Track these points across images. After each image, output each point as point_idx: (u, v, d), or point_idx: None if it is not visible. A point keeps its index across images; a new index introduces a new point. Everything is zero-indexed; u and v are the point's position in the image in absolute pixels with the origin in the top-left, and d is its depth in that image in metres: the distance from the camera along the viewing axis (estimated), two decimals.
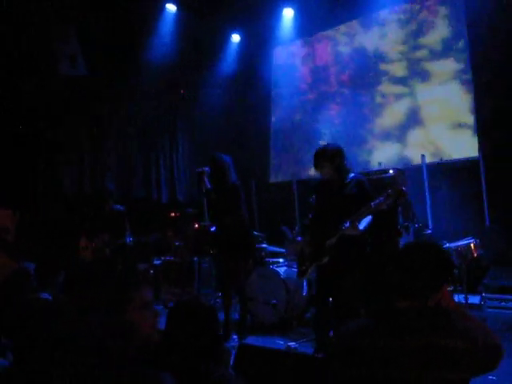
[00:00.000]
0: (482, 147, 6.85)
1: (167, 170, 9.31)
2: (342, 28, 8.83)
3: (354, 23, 8.66)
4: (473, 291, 5.81)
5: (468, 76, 7.20)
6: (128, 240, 5.93)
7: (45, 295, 2.37)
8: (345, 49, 8.81)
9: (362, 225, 3.80)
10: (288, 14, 8.92)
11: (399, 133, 7.94)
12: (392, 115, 8.09)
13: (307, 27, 8.88)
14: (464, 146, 7.11)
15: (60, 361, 1.32)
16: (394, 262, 1.79)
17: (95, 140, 8.11)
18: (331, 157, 4.01)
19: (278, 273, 5.48)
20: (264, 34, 9.28)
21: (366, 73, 8.44)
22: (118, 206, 6.15)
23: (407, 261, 1.75)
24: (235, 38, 9.54)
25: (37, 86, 6.92)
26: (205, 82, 9.22)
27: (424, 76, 7.75)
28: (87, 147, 8.03)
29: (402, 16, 8.06)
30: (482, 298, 5.86)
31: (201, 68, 9.24)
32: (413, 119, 7.81)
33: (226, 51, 9.51)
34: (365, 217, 3.79)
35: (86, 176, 8.00)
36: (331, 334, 4.09)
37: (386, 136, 8.10)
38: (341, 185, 4.02)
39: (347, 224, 3.75)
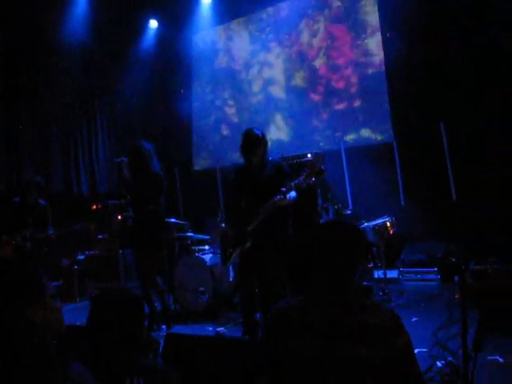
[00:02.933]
0: (395, 130, 7.19)
1: (86, 159, 8.95)
2: (261, 14, 8.85)
3: (271, 9, 8.71)
4: (392, 266, 6.16)
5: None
6: (49, 233, 5.69)
7: None
8: (263, 34, 8.85)
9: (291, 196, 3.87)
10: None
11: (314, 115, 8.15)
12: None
13: (226, 13, 8.85)
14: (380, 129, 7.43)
15: None
16: (313, 240, 1.84)
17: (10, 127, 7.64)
18: (264, 141, 4.05)
19: (203, 260, 5.49)
20: (182, 20, 9.15)
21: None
22: (42, 201, 5.88)
23: (326, 238, 1.80)
24: (153, 23, 9.34)
25: None
26: (124, 68, 8.95)
27: None
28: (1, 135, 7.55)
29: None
30: (400, 273, 6.23)
31: (119, 53, 8.96)
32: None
33: (144, 37, 9.33)
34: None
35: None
36: (258, 316, 4.18)
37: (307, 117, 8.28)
38: (260, 169, 4.06)
39: (279, 196, 3.80)
